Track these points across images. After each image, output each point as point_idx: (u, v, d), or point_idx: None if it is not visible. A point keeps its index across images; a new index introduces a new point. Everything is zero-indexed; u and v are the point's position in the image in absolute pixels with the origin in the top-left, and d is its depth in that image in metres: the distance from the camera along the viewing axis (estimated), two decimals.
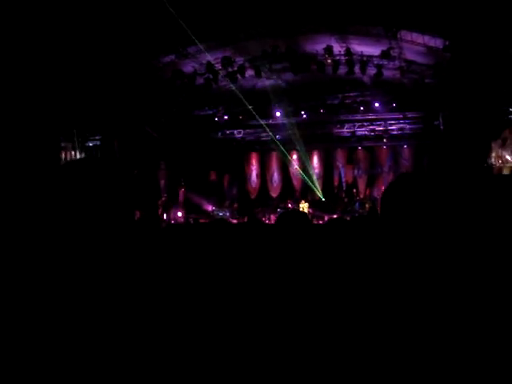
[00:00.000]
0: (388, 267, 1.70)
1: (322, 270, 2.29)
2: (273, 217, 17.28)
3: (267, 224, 16.26)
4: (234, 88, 16.29)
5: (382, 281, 1.70)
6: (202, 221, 14.08)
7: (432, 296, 1.55)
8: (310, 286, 2.15)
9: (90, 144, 14.60)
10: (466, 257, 1.57)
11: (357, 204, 16.90)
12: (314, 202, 17.64)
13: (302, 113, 17.76)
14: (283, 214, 3.14)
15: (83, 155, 13.73)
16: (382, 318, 1.63)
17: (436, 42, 12.25)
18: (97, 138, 14.46)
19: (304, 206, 16.90)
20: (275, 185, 20.72)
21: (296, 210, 15.58)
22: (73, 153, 13.83)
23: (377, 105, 17.22)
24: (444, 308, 1.52)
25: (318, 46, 13.98)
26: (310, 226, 2.90)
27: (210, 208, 18.18)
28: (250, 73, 15.32)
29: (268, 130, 19.00)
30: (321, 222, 15.68)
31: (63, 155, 13.27)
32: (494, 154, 11.45)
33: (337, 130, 18.83)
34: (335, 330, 1.81)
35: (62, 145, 13.29)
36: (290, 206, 18.19)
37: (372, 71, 14.50)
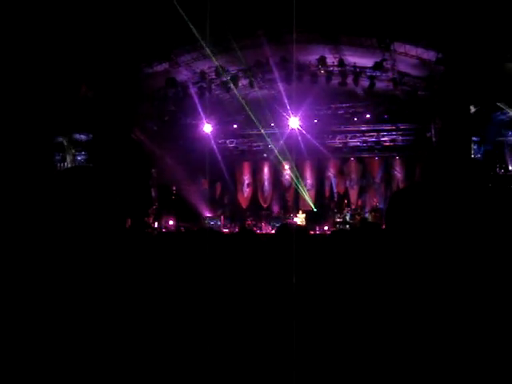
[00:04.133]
0: (391, 273, 1.69)
1: (319, 278, 2.27)
2: (264, 226, 17.26)
3: (259, 234, 16.27)
4: (226, 97, 16.34)
5: (384, 285, 1.68)
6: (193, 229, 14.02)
7: (434, 299, 1.54)
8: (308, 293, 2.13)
9: (79, 158, 14.54)
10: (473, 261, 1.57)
11: (348, 215, 16.89)
12: (305, 212, 17.61)
13: (295, 123, 17.77)
14: (282, 227, 3.12)
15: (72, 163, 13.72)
16: (383, 319, 1.62)
17: (429, 55, 12.34)
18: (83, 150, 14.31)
19: (302, 217, 16.87)
20: (266, 194, 20.72)
21: (294, 223, 15.63)
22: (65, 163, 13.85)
23: (369, 116, 17.37)
24: (447, 310, 1.51)
25: (312, 57, 14.05)
26: (308, 239, 2.88)
27: (201, 216, 18.11)
28: (243, 82, 15.36)
29: (260, 139, 19.09)
30: (312, 232, 15.67)
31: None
32: None
33: (329, 141, 18.88)
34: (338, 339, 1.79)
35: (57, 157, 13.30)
36: (275, 212, 18.26)
37: (365, 82, 14.57)
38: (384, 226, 1.87)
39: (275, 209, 19.98)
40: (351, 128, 18.20)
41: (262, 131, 18.68)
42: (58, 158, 13.85)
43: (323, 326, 1.90)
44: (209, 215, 18.26)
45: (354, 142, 18.67)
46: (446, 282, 1.55)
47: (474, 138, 12.03)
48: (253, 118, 17.34)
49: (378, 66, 13.56)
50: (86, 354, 1.50)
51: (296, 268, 2.38)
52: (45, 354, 1.48)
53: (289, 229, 3.02)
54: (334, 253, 2.65)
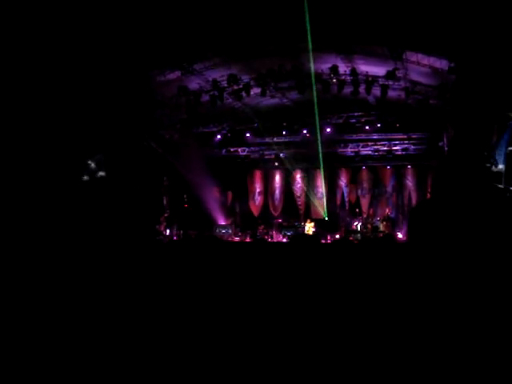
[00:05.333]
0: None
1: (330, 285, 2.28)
2: (275, 235, 17.23)
3: (270, 242, 16.28)
4: (238, 106, 16.39)
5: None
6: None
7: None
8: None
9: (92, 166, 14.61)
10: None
11: (360, 223, 16.83)
12: (317, 221, 17.58)
13: (306, 132, 17.83)
14: (295, 238, 3.14)
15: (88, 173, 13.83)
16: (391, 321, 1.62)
17: (441, 64, 12.31)
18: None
19: (310, 226, 16.83)
20: (277, 203, 20.73)
21: (307, 234, 15.64)
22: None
23: (381, 125, 17.37)
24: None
25: (324, 66, 14.04)
26: (319, 249, 2.89)
27: (214, 224, 18.09)
28: (255, 91, 15.39)
29: (272, 148, 19.15)
30: (323, 241, 15.63)
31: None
32: None
33: (341, 150, 18.91)
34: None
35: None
36: (286, 221, 18.25)
37: (377, 91, 14.55)
38: (405, 239, 1.88)
39: (286, 217, 19.94)
40: (363, 137, 18.22)
41: (274, 139, 18.76)
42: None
43: (335, 335, 1.91)
44: (220, 223, 18.28)
45: (366, 150, 18.67)
46: (468, 292, 1.55)
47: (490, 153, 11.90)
48: (264, 126, 17.42)
49: (390, 75, 13.54)
50: (98, 354, 1.52)
51: (305, 276, 2.38)
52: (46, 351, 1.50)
53: (300, 240, 3.04)
54: (343, 262, 2.66)
